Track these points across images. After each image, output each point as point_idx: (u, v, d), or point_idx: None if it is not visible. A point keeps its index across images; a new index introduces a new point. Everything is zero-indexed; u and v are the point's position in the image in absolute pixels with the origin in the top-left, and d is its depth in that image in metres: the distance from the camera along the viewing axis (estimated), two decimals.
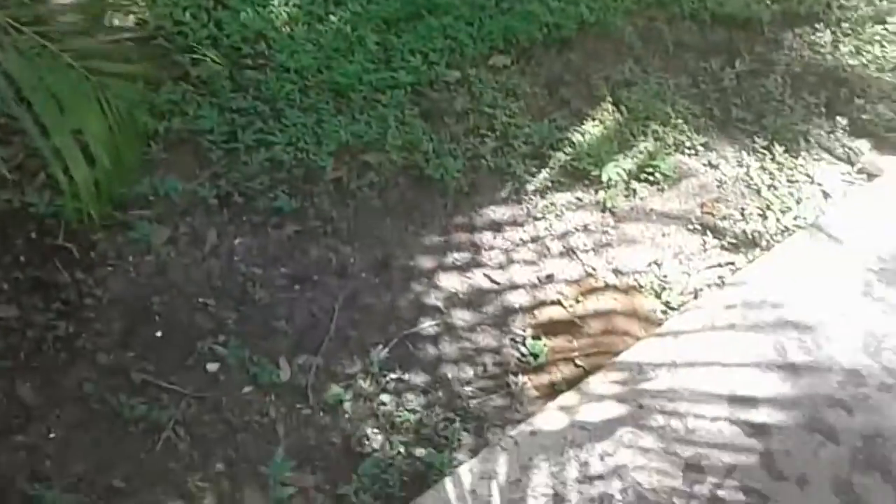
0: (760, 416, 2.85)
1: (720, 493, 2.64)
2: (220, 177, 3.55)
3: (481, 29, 4.32)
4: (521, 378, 3.10)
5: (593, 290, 3.39)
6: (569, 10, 4.46)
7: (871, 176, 3.92)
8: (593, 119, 4.05)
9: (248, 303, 3.20)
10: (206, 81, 3.84)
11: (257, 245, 3.39)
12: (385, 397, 3.00)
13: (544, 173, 3.79)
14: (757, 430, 2.81)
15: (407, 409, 2.97)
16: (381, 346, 3.12)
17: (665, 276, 3.45)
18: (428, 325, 3.22)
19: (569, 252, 3.55)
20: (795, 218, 3.69)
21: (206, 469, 2.77)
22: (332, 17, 4.26)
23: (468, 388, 3.06)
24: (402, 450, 2.85)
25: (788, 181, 3.90)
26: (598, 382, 2.94)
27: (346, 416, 2.94)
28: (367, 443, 2.87)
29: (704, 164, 3.96)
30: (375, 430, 2.91)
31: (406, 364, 3.10)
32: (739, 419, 2.84)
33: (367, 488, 2.74)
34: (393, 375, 3.06)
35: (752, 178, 3.89)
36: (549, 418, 2.82)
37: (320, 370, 3.05)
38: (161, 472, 2.75)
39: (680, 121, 4.06)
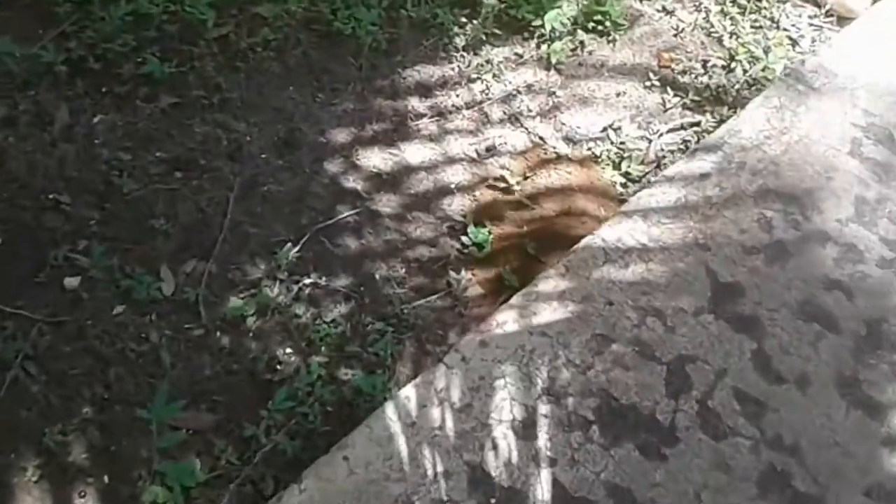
0: (748, 306, 2.28)
1: (710, 403, 2.09)
2: (69, 37, 2.67)
3: None
4: (464, 274, 2.43)
5: (543, 164, 2.71)
6: None
7: (841, 19, 3.28)
8: None
9: (115, 197, 2.40)
10: None
11: (123, 123, 2.56)
12: (298, 308, 2.29)
13: (475, 24, 3.01)
14: (746, 324, 2.24)
15: (326, 322, 2.28)
16: (289, 245, 2.39)
17: (622, 143, 2.79)
18: (347, 215, 2.50)
19: (511, 118, 2.84)
20: (764, 69, 3.04)
21: (69, 416, 2.04)
22: None
23: (400, 290, 2.38)
24: (322, 373, 2.17)
25: (752, 27, 3.22)
26: (556, 275, 2.30)
27: (251, 334, 2.23)
28: (278, 368, 2.18)
29: (658, 10, 3.25)
30: (289, 351, 2.22)
31: (322, 265, 2.39)
32: (725, 312, 2.26)
33: (281, 425, 2.07)
34: (307, 280, 2.34)
35: (712, 25, 3.20)
36: (501, 322, 2.18)
37: (214, 279, 2.31)
38: (9, 424, 2.01)
39: None
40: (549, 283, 2.30)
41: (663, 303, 2.28)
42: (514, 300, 2.26)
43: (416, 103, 2.82)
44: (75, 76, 2.59)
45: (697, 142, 2.78)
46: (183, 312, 2.24)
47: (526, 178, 2.65)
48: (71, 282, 2.23)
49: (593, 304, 2.26)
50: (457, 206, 2.59)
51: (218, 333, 2.22)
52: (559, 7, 3.07)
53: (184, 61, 2.70)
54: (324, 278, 2.36)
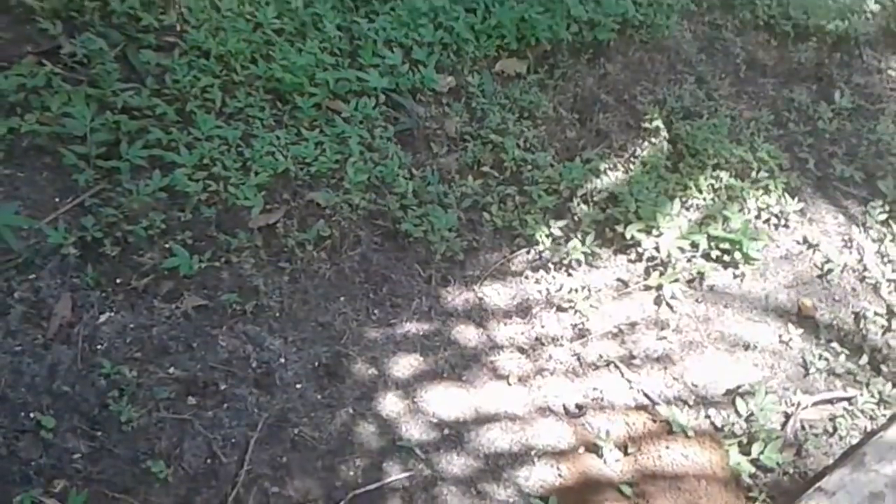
0: None
1: None
2: (87, 211, 2.63)
3: (487, 19, 3.52)
4: None
5: (650, 435, 2.54)
6: (607, 3, 3.65)
7: None
8: (642, 162, 3.22)
9: (110, 425, 2.29)
10: (83, 62, 2.93)
11: (135, 326, 2.49)
12: None
13: (573, 239, 2.93)
14: None
15: None
16: None
17: (752, 416, 2.62)
18: (395, 479, 2.33)
19: (610, 365, 2.71)
20: None
21: None
22: None
23: None
24: None
25: None
26: None
27: None
28: None
29: (799, 242, 3.15)
30: None
31: None
32: None
33: None
34: None
35: (866, 268, 3.10)
36: None
37: None
38: None
39: (763, 174, 3.25)
40: None
41: None
42: None
43: (493, 331, 2.72)
44: (86, 261, 2.54)
45: (852, 424, 2.60)
46: None
47: (627, 453, 2.48)
48: None
49: None
50: (536, 480, 2.42)
51: None
52: (677, 226, 2.99)
53: (218, 254, 2.65)
54: None
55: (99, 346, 2.41)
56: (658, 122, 3.34)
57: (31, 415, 2.25)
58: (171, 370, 2.41)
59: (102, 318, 2.47)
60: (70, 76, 2.91)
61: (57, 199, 2.68)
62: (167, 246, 2.63)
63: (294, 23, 3.27)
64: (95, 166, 2.71)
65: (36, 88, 2.82)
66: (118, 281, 2.55)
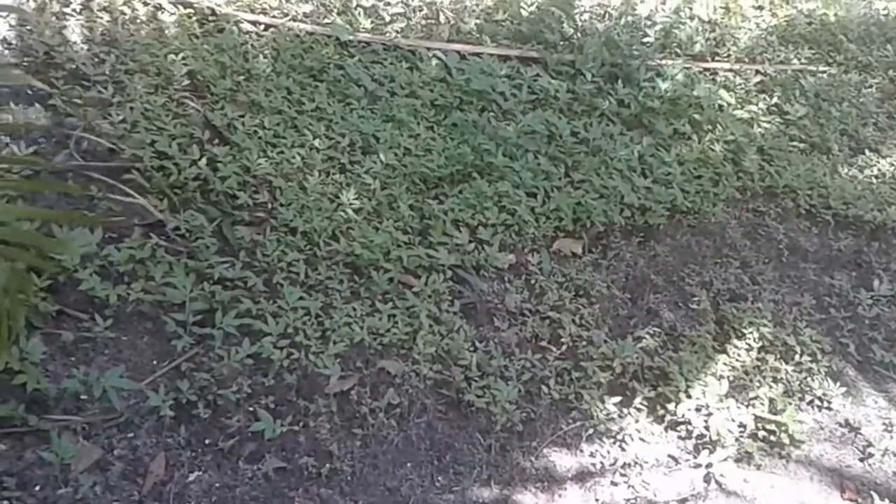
0: None
1: None
2: (183, 375, 2.86)
3: (546, 203, 3.77)
4: None
5: None
6: (657, 190, 3.92)
7: None
8: (692, 342, 3.39)
9: None
10: (185, 235, 3.21)
11: (220, 485, 2.67)
12: None
13: (627, 415, 3.09)
14: None
15: None
16: None
17: None
18: None
19: None
20: None
21: None
22: (357, 168, 3.71)
23: None
24: None
25: None
26: None
27: None
28: None
29: (841, 425, 3.27)
30: None
31: None
32: None
33: None
34: None
35: None
36: None
37: None
38: None
39: (806, 359, 3.41)
40: None
41: None
42: None
43: (550, 501, 2.84)
44: (180, 422, 2.75)
45: None
46: None
47: None
48: None
49: None
50: None
51: None
52: (726, 407, 3.14)
53: (298, 418, 2.84)
54: None
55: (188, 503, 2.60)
56: (706, 304, 3.53)
57: None
58: None
59: (192, 477, 2.66)
60: (172, 247, 3.19)
61: (155, 363, 2.91)
62: (251, 410, 2.83)
63: (371, 202, 3.57)
64: (191, 332, 2.95)
65: (143, 259, 3.11)
66: (207, 442, 2.75)
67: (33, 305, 2.84)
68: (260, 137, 3.68)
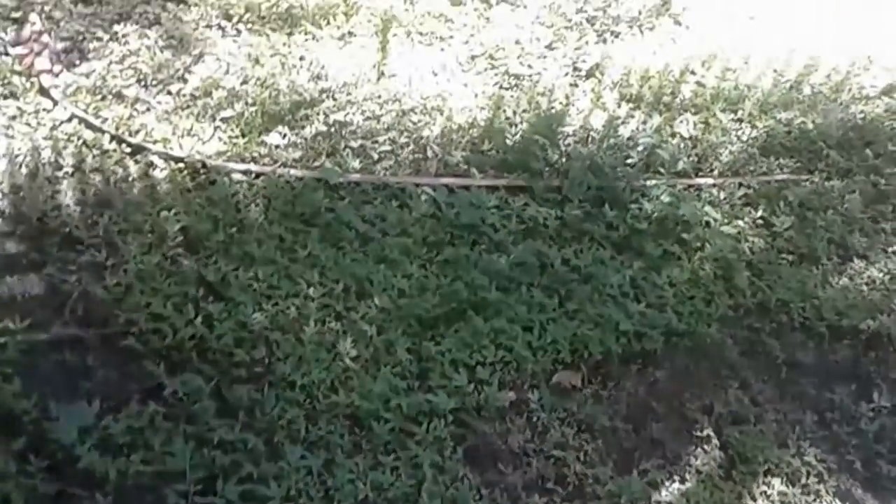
0: None
1: None
2: None
3: (542, 336, 3.78)
4: None
5: None
6: (652, 315, 3.94)
7: None
8: (697, 471, 3.36)
9: None
10: (183, 399, 3.21)
11: None
12: None
13: None
14: None
15: None
16: None
17: None
18: None
19: None
20: None
21: None
22: (353, 314, 3.72)
23: None
24: None
25: None
26: None
27: None
28: None
29: None
30: None
31: None
32: None
33: None
34: None
35: None
36: None
37: None
38: None
39: (813, 479, 3.38)
40: None
41: None
42: None
43: None
44: None
45: None
46: None
47: None
48: None
49: None
50: None
51: None
52: None
53: None
54: None
55: None
56: (709, 431, 3.52)
57: None
58: None
59: None
60: (171, 412, 3.18)
61: None
62: None
63: (368, 350, 3.57)
64: (193, 503, 2.93)
65: (141, 428, 3.09)
66: None
67: (32, 487, 2.83)
68: (254, 290, 3.70)
